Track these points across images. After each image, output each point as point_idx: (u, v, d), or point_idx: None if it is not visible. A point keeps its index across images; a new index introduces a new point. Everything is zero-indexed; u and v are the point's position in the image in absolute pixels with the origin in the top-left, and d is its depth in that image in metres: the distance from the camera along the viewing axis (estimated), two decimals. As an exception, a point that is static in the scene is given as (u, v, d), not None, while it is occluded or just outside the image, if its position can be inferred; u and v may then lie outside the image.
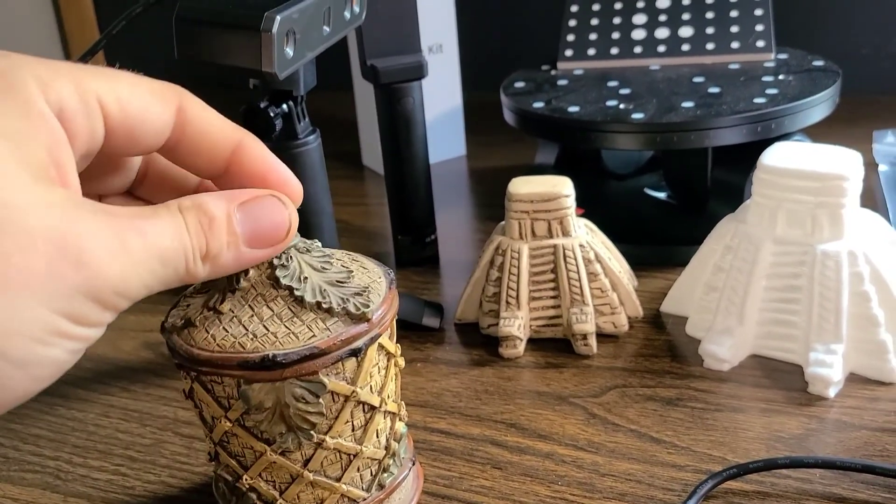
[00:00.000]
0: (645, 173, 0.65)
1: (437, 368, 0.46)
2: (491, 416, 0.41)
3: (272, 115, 0.41)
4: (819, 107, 0.52)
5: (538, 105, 0.56)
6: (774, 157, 0.43)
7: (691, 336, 0.46)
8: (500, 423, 0.41)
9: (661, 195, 0.61)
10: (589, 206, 0.59)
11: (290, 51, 0.37)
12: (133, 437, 0.42)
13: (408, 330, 0.49)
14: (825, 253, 0.41)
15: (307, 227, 0.45)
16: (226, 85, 0.41)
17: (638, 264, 0.53)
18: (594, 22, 0.66)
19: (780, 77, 0.56)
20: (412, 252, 0.57)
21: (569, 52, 0.65)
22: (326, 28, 0.41)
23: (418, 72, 0.52)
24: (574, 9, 0.67)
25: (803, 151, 0.43)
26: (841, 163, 0.41)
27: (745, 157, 0.54)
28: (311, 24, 0.39)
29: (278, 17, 0.35)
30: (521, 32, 0.95)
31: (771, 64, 0.60)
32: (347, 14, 0.43)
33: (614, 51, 0.64)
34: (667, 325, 0.47)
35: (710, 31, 0.63)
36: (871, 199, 0.61)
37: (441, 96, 0.75)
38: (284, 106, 0.42)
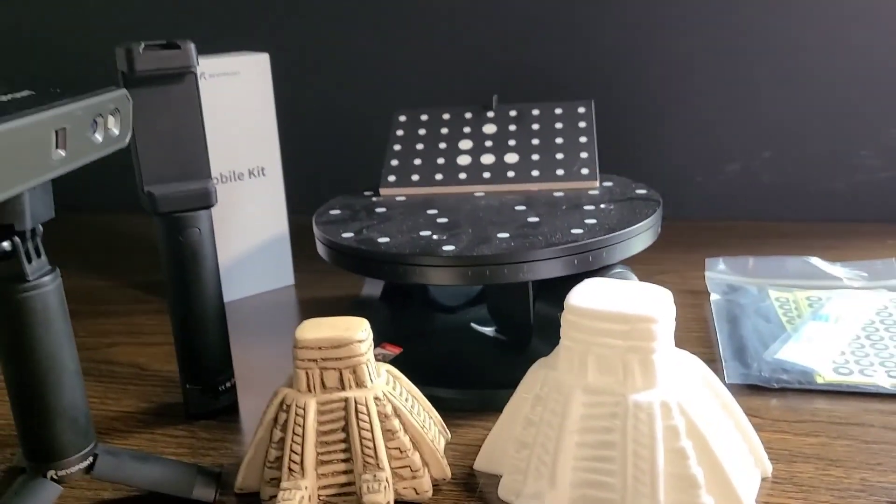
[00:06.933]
0: (475, 305, 0.61)
1: (204, 554, 0.38)
2: None
3: (-15, 254, 0.34)
4: (639, 237, 0.49)
5: (347, 235, 0.51)
6: (581, 296, 0.39)
7: (504, 500, 0.40)
8: None
9: (489, 330, 0.57)
10: (412, 344, 0.54)
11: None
12: None
13: (177, 504, 0.41)
14: (637, 404, 0.36)
15: (43, 387, 0.37)
16: None
17: (457, 410, 0.48)
18: (419, 147, 0.63)
19: (602, 206, 0.54)
20: (202, 404, 0.49)
21: (392, 178, 0.61)
22: (61, 152, 0.35)
23: (205, 199, 0.46)
24: (400, 133, 0.64)
25: (612, 290, 0.39)
26: (650, 303, 0.38)
27: (568, 290, 0.50)
28: (29, 147, 0.32)
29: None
30: (352, 156, 0.92)
31: (595, 192, 0.57)
32: (98, 136, 0.37)
33: (439, 176, 0.61)
34: (479, 487, 0.42)
35: (535, 157, 0.61)
36: (704, 328, 0.58)
37: (265, 222, 0.70)
38: (6, 244, 0.35)
